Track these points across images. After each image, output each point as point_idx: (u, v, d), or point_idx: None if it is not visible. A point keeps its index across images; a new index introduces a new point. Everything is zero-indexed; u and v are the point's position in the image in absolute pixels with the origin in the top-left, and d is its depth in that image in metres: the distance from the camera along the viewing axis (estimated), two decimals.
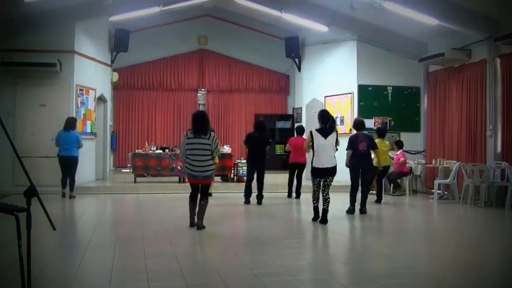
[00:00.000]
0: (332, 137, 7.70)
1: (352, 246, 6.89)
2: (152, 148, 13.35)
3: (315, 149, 7.67)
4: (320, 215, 7.84)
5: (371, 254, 6.12)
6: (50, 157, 11.46)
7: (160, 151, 13.18)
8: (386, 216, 9.34)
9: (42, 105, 11.64)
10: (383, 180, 11.22)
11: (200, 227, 7.08)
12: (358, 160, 9.05)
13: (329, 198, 7.79)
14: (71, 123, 10.77)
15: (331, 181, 7.81)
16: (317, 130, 7.77)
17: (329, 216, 8.02)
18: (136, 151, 13.40)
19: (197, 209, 7.20)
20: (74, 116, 11.50)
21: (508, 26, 10.18)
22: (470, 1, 10.50)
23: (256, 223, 8.59)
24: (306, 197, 11.10)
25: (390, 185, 12.11)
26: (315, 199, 7.88)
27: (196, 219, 7.21)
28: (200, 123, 7.04)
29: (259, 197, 10.30)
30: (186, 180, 7.42)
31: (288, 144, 11.47)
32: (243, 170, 13.42)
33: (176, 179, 13.12)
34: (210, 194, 10.77)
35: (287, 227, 8.28)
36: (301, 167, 11.22)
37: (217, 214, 7.90)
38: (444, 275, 4.99)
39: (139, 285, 4.41)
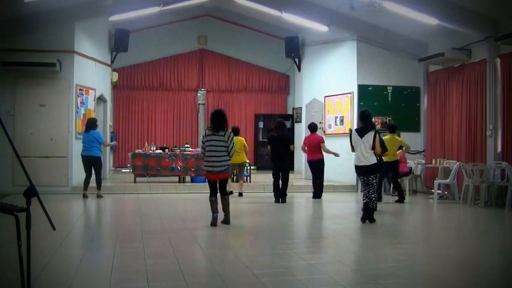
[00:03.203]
0: (368, 136, 7.82)
1: (352, 246, 6.88)
2: (152, 148, 13.35)
3: (353, 147, 7.96)
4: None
5: (371, 254, 6.11)
6: (50, 157, 11.50)
7: (160, 151, 13.18)
8: (387, 216, 9.33)
9: (42, 105, 11.63)
10: (382, 179, 11.19)
11: (228, 222, 7.51)
12: None
13: (373, 196, 7.86)
14: (90, 124, 11.07)
15: (372, 179, 7.87)
16: (356, 129, 8.05)
17: (329, 216, 8.06)
18: (136, 151, 13.39)
19: (221, 206, 7.50)
20: (94, 116, 11.94)
21: (508, 26, 10.18)
22: (470, 1, 10.50)
23: (258, 223, 8.59)
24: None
25: (390, 185, 12.09)
26: (366, 197, 7.87)
27: (214, 217, 7.48)
28: (217, 120, 7.44)
29: (282, 196, 10.55)
30: (205, 178, 7.84)
31: (303, 145, 11.44)
32: (243, 170, 13.44)
33: (176, 179, 13.13)
34: (241, 194, 11.49)
35: (288, 227, 8.28)
36: (319, 163, 11.06)
37: (218, 214, 7.89)
38: (444, 275, 4.99)
39: (139, 285, 4.41)
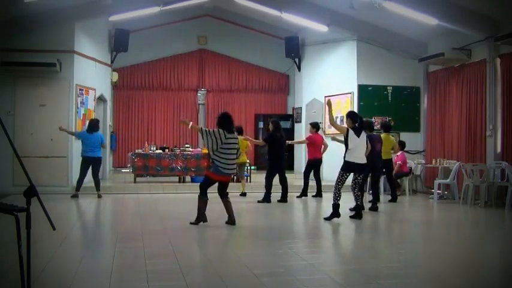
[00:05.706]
0: (363, 136, 8.26)
1: (352, 246, 6.89)
2: (152, 148, 13.35)
3: (350, 145, 8.13)
4: (353, 210, 8.60)
5: (371, 254, 6.11)
6: (50, 157, 11.50)
7: (160, 151, 13.18)
8: (387, 216, 9.33)
9: (42, 105, 11.63)
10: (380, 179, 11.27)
11: (234, 222, 7.53)
12: (374, 160, 9.27)
13: (360, 193, 8.45)
14: (95, 125, 11.05)
15: (362, 178, 8.46)
16: (352, 129, 8.23)
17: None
18: (136, 151, 13.39)
19: (226, 208, 7.56)
20: (96, 118, 11.92)
21: (508, 26, 10.18)
22: (470, 1, 10.51)
23: (258, 223, 8.60)
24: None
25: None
26: (339, 196, 8.13)
27: (204, 217, 7.57)
28: (231, 122, 7.50)
29: (286, 195, 10.73)
30: (214, 177, 7.49)
31: (306, 140, 11.86)
32: (243, 170, 13.44)
33: (176, 179, 13.12)
34: (245, 194, 11.61)
35: (288, 227, 8.28)
36: (319, 164, 11.53)
37: (218, 214, 7.89)
38: (444, 275, 4.99)
39: (139, 285, 4.41)
